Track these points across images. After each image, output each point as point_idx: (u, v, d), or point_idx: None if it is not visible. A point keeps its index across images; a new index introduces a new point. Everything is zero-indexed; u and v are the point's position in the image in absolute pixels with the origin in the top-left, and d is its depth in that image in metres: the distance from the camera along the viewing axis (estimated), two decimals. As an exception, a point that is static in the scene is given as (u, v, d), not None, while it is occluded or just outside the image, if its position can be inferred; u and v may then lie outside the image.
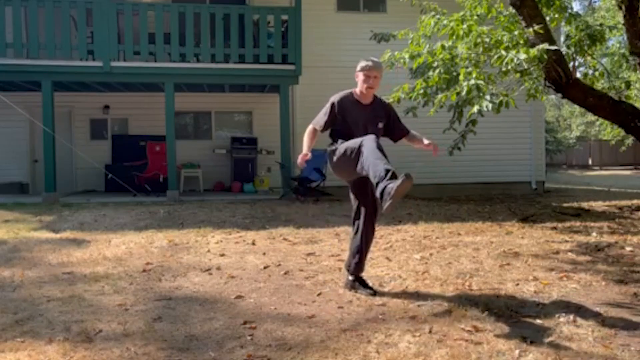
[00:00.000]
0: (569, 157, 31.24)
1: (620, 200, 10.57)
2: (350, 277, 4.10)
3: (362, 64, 3.89)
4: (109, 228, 6.93)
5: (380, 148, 3.47)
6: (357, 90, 3.94)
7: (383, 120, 3.98)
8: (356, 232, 3.97)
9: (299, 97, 11.58)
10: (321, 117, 3.92)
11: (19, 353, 2.91)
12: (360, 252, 3.97)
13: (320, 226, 6.54)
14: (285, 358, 2.88)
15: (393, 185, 3.12)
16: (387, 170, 3.24)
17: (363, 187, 3.91)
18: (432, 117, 6.52)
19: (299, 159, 3.72)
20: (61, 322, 3.38)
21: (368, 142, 3.50)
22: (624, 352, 2.94)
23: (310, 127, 3.93)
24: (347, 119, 3.87)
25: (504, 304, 3.77)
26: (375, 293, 3.97)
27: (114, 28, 9.95)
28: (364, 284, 4.06)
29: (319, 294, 4.02)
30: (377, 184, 3.26)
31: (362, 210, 3.95)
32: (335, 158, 3.83)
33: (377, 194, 3.25)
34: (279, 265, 4.98)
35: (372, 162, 3.37)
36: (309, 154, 3.75)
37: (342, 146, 3.74)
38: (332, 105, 3.90)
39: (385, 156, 3.43)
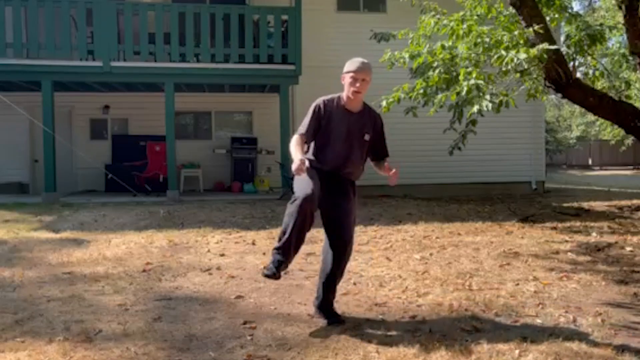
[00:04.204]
0: (569, 157, 31.23)
1: (620, 200, 10.57)
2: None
3: (349, 65, 3.40)
4: (109, 228, 6.93)
5: (307, 214, 3.22)
6: (344, 95, 3.44)
7: (370, 132, 3.49)
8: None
9: (299, 97, 11.56)
10: (306, 123, 3.43)
11: (19, 353, 2.91)
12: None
13: (320, 226, 6.51)
14: (285, 358, 2.88)
15: (267, 269, 3.26)
16: (277, 248, 3.36)
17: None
18: (432, 117, 6.51)
19: (294, 168, 3.06)
20: (61, 322, 3.38)
21: (303, 198, 3.14)
22: (624, 352, 2.94)
23: (295, 136, 3.38)
24: (330, 126, 3.41)
25: (504, 304, 3.77)
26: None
27: (114, 28, 9.94)
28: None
29: (319, 294, 4.01)
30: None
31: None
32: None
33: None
34: (279, 265, 4.97)
35: (283, 226, 3.32)
36: (306, 160, 3.16)
37: (296, 182, 3.29)
38: (317, 108, 3.44)
39: (309, 226, 3.31)
